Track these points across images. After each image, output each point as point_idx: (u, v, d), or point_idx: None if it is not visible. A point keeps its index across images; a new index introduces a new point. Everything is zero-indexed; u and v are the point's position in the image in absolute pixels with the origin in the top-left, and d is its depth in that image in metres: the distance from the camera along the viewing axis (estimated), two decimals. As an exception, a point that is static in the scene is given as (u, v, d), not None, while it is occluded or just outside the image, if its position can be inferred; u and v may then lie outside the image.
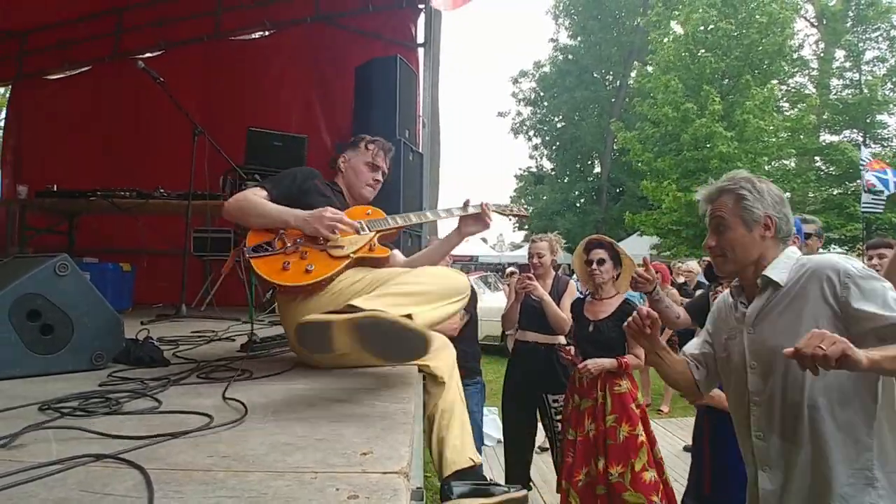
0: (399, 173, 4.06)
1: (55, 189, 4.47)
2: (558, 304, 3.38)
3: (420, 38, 5.35)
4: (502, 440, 3.81)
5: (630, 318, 1.69)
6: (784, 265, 1.52)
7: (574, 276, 4.63)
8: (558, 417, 3.37)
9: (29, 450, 1.05)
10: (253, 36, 5.95)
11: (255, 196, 2.08)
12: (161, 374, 1.74)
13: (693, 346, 1.80)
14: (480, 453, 3.45)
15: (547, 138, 27.68)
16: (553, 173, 27.43)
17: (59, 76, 6.32)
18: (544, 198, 26.09)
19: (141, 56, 5.98)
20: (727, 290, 1.73)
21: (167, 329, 3.13)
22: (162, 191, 4.24)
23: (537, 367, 3.46)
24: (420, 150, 4.73)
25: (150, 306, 4.72)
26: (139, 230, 5.03)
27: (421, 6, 5.38)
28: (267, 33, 5.88)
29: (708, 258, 2.18)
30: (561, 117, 26.86)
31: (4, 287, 1.72)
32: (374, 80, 4.44)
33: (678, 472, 4.16)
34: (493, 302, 8.53)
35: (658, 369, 1.78)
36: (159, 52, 5.99)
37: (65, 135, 6.04)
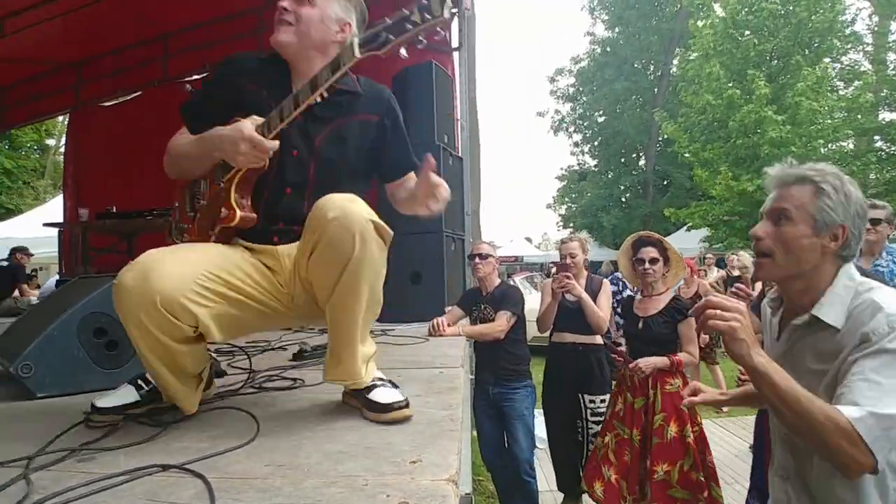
0: (440, 177, 4.08)
1: (114, 210, 4.70)
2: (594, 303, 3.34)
3: (455, 42, 5.37)
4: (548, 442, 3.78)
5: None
6: (841, 299, 1.22)
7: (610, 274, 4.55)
8: (594, 419, 3.32)
9: (98, 462, 1.12)
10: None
11: (178, 138, 1.69)
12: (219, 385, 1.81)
13: None
14: (534, 456, 3.45)
15: (588, 134, 27.25)
16: (596, 169, 26.98)
17: (112, 102, 6.66)
18: (588, 194, 25.68)
19: (187, 79, 6.24)
20: (768, 297, 1.47)
21: (223, 340, 3.24)
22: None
23: (576, 368, 3.42)
24: (460, 155, 4.74)
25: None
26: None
27: (454, 10, 5.40)
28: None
29: None
30: (602, 111, 26.39)
31: (72, 307, 1.83)
32: (410, 88, 4.48)
33: (738, 472, 4.03)
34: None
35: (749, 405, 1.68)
36: (204, 74, 6.22)
37: (120, 158, 6.36)
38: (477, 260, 3.49)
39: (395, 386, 1.48)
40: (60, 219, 6.63)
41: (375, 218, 1.40)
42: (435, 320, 3.16)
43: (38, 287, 8.63)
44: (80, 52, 6.37)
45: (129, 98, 6.58)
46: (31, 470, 1.05)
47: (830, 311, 1.22)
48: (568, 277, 3.24)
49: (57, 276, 6.70)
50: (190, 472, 1.01)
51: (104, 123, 6.61)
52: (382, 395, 1.40)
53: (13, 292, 7.09)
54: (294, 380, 1.87)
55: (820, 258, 1.25)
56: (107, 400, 1.41)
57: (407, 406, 1.36)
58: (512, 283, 10.75)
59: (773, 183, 1.33)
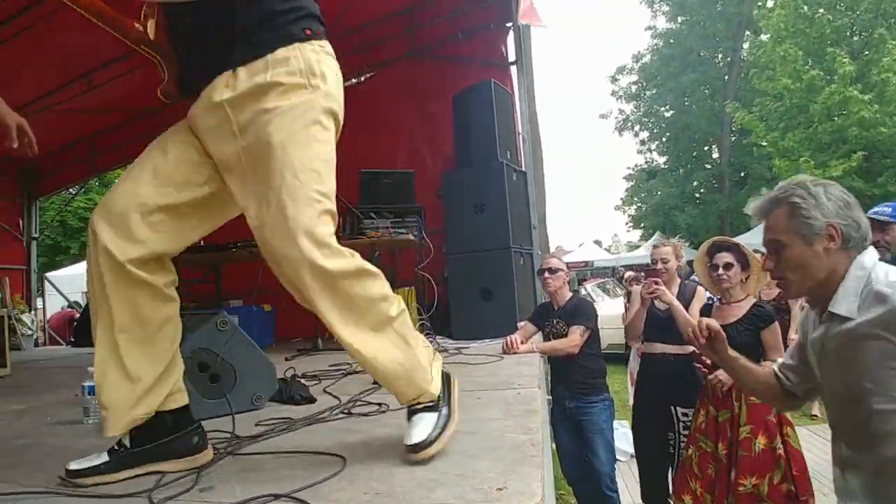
0: (504, 195, 4.14)
1: (202, 244, 5.05)
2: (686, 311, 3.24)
3: (511, 57, 5.43)
4: (635, 455, 3.72)
5: (690, 328, 1.69)
6: (853, 289, 1.30)
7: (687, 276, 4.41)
8: (686, 432, 3.22)
9: (217, 491, 1.24)
10: (353, 81, 6.36)
11: None
12: (309, 412, 1.94)
13: (786, 354, 1.71)
14: (614, 470, 3.41)
15: (655, 130, 26.42)
16: (666, 166, 26.09)
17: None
18: (658, 193, 24.85)
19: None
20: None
21: (308, 363, 3.42)
22: (289, 236, 4.63)
23: (667, 380, 3.32)
24: (523, 169, 4.78)
25: (290, 340, 5.17)
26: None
27: (508, 25, 5.46)
28: (364, 78, 6.25)
29: None
30: (668, 106, 25.52)
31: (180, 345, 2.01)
32: (470, 107, 4.57)
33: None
34: (614, 309, 8.31)
35: (734, 378, 1.82)
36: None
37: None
38: (546, 274, 3.50)
39: (438, 406, 1.40)
40: None
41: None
42: (508, 338, 3.19)
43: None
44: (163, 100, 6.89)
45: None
46: (161, 501, 1.18)
47: (843, 303, 1.31)
48: (657, 283, 3.18)
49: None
50: (299, 501, 1.11)
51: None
52: (416, 430, 1.33)
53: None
54: (379, 404, 1.97)
55: (830, 261, 1.34)
56: (78, 463, 1.37)
57: (430, 445, 1.29)
58: (583, 291, 10.56)
59: (754, 217, 1.47)
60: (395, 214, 4.65)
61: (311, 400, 2.19)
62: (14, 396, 2.98)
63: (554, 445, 3.59)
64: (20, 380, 3.88)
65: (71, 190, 10.43)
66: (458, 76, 5.35)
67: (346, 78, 5.24)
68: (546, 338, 3.46)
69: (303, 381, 2.46)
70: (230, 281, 5.92)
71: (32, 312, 10.50)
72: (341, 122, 1.52)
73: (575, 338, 3.22)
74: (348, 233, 4.53)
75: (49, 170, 8.09)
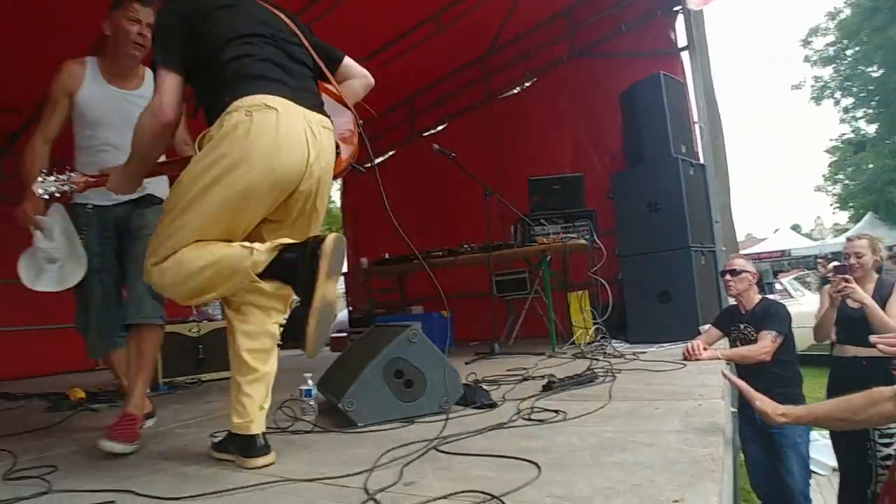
0: (680, 192, 3.97)
1: (387, 257, 5.56)
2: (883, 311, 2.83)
3: (681, 42, 5.15)
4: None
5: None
6: None
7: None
8: (883, 441, 2.80)
9: (418, 485, 1.44)
10: (517, 90, 6.51)
11: (171, 95, 1.73)
12: (492, 417, 2.09)
13: None
14: (808, 486, 3.08)
15: (861, 95, 22.68)
16: (877, 134, 22.24)
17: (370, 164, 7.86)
18: (870, 166, 21.31)
19: (431, 132, 7.08)
20: None
21: (486, 368, 3.62)
22: (466, 246, 4.90)
23: (860, 386, 2.91)
24: (701, 161, 4.52)
25: (468, 343, 5.46)
26: (452, 279, 5.92)
27: (677, 9, 5.19)
28: (528, 83, 6.36)
29: None
30: (876, 66, 21.75)
31: (377, 354, 2.30)
32: (639, 103, 4.45)
33: None
34: (815, 305, 7.37)
35: None
36: (443, 126, 7.00)
37: (386, 212, 7.47)
38: (728, 277, 3.27)
39: None
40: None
41: None
42: (689, 344, 3.07)
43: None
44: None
45: (386, 157, 7.70)
46: (374, 491, 1.40)
47: None
48: (847, 280, 2.85)
49: (347, 309, 8.07)
50: (495, 498, 1.25)
51: (369, 181, 7.83)
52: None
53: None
54: (556, 411, 2.06)
55: None
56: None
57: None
58: (779, 285, 9.48)
59: None
60: (565, 219, 4.70)
61: (493, 405, 2.35)
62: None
63: (743, 458, 3.36)
64: None
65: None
66: (623, 71, 5.22)
67: (508, 87, 5.49)
68: (732, 344, 3.25)
69: (483, 386, 2.64)
70: (413, 288, 6.42)
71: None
72: None
73: (766, 343, 2.98)
74: (519, 241, 4.67)
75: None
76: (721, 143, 4.57)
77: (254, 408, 1.79)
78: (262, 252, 1.63)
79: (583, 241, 4.50)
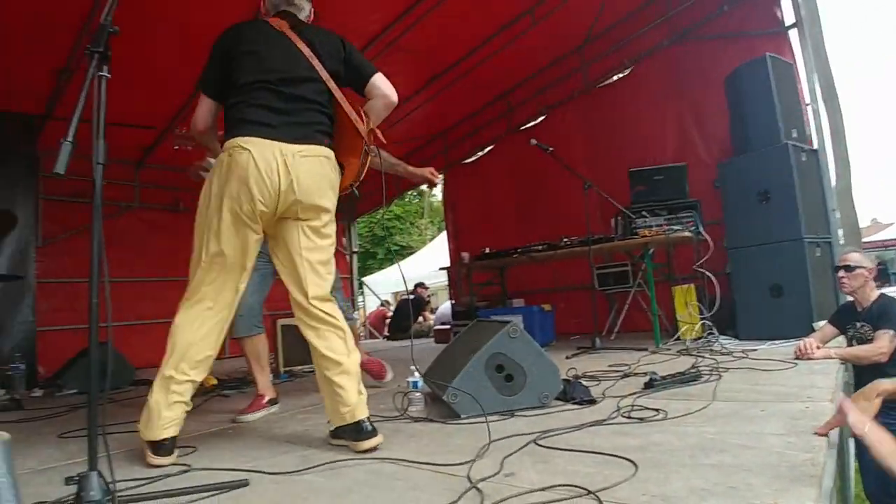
0: (792, 180, 3.75)
1: (488, 251, 5.69)
2: None
3: (789, 20, 4.80)
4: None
5: None
6: None
7: None
8: None
9: (518, 477, 1.54)
10: (615, 78, 6.36)
11: (202, 113, 2.24)
12: (591, 413, 2.16)
13: None
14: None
15: None
16: None
17: (472, 159, 8.01)
18: None
19: (528, 125, 7.09)
20: None
21: (587, 363, 3.65)
22: (566, 240, 4.92)
23: None
24: (814, 147, 4.22)
25: (570, 338, 5.47)
26: (552, 273, 5.94)
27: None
28: (627, 71, 6.19)
29: None
30: None
31: (479, 349, 2.43)
32: (744, 87, 4.23)
33: None
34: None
35: None
36: (542, 118, 6.98)
37: (485, 205, 7.59)
38: (842, 273, 3.08)
39: None
40: (443, 253, 8.45)
41: None
42: (802, 342, 2.93)
43: (434, 311, 10.84)
44: (443, 124, 7.88)
45: (484, 153, 7.82)
46: (477, 481, 1.53)
47: None
48: None
49: (450, 301, 8.30)
50: (590, 493, 1.33)
51: (469, 177, 8.00)
52: None
53: (418, 318, 9.21)
54: (657, 410, 2.08)
55: None
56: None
57: None
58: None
59: None
60: (668, 211, 4.58)
61: (592, 401, 2.41)
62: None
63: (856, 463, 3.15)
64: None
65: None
66: (726, 54, 4.97)
67: (606, 77, 5.45)
68: (849, 343, 3.05)
69: (583, 382, 2.69)
70: (513, 282, 6.52)
71: (356, 312, 13.00)
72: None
73: (882, 344, 2.77)
74: (620, 234, 4.62)
75: (364, 194, 10.00)
76: (839, 124, 4.21)
77: (351, 396, 2.02)
78: None
79: (687, 234, 4.37)
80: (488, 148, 7.76)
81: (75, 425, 2.96)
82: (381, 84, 2.27)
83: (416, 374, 2.71)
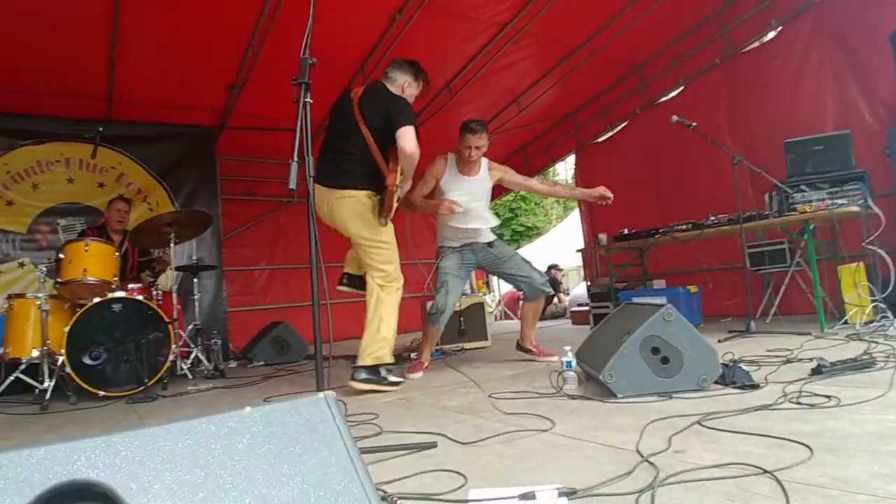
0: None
1: (626, 232, 5.62)
2: None
3: None
4: None
5: None
6: None
7: None
8: None
9: (688, 454, 1.63)
10: (764, 40, 5.91)
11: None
12: (754, 398, 2.16)
13: None
14: None
15: None
16: None
17: (604, 138, 7.84)
18: None
19: (664, 98, 6.82)
20: None
21: (743, 347, 3.55)
22: (713, 218, 4.74)
23: None
24: None
25: (719, 320, 5.28)
26: (695, 253, 5.73)
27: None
28: (774, 33, 5.73)
29: None
30: None
31: (633, 331, 2.50)
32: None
33: None
34: None
35: None
36: (680, 90, 6.67)
37: (620, 184, 7.40)
38: None
39: None
40: (571, 234, 8.33)
41: None
42: None
43: (567, 293, 10.80)
44: (574, 103, 7.79)
45: (617, 131, 7.62)
46: (647, 455, 1.64)
47: None
48: None
49: (585, 283, 8.27)
50: (767, 472, 1.40)
51: (601, 157, 7.85)
52: None
53: (553, 300, 9.27)
54: (829, 397, 2.04)
55: None
56: None
57: None
58: None
59: None
60: (831, 184, 4.26)
61: (755, 386, 2.39)
62: (500, 362, 4.08)
63: None
64: (499, 350, 4.94)
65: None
66: (890, 7, 4.44)
67: (750, 40, 5.25)
68: None
69: (743, 366, 2.66)
70: (653, 262, 6.38)
71: (490, 294, 13.28)
72: None
73: None
74: (776, 210, 4.37)
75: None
76: None
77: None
78: None
79: (854, 208, 4.03)
80: (621, 125, 7.56)
81: (272, 392, 3.48)
82: (400, 136, 2.90)
83: (569, 353, 2.85)
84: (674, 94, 6.77)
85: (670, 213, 5.76)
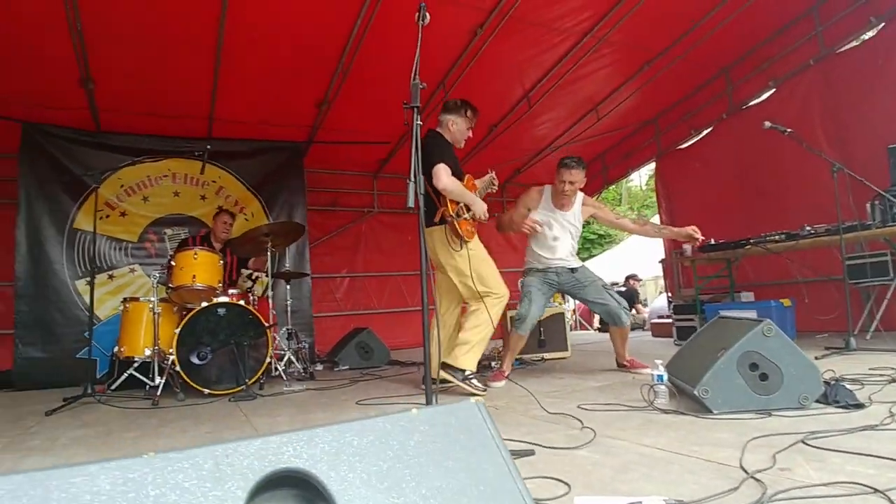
0: None
1: (713, 242, 5.47)
2: None
3: None
4: None
5: None
6: None
7: None
8: None
9: (794, 472, 1.62)
10: (864, 37, 5.61)
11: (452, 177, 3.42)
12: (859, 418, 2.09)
13: None
14: None
15: None
16: None
17: (688, 144, 7.63)
18: None
19: (753, 102, 6.58)
20: None
21: (843, 364, 3.40)
22: (808, 228, 4.54)
23: None
24: None
25: (813, 336, 5.04)
26: (787, 264, 5.50)
27: None
28: (875, 31, 5.42)
29: None
30: None
31: (730, 346, 2.47)
32: None
33: None
34: None
35: None
36: (771, 92, 6.42)
37: (706, 192, 7.20)
38: None
39: None
40: (648, 244, 8.42)
41: None
42: None
43: (645, 304, 10.53)
44: (655, 109, 7.64)
45: (700, 137, 7.41)
46: (753, 472, 1.64)
47: None
48: None
49: (666, 295, 8.07)
50: (878, 491, 1.38)
51: (684, 163, 7.65)
52: None
53: (631, 311, 9.06)
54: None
55: None
56: None
57: None
58: None
59: None
60: (939, 192, 4.00)
61: (860, 406, 2.31)
62: (583, 373, 4.09)
63: None
64: (579, 361, 4.97)
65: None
66: None
67: (848, 38, 5.09)
68: None
69: (846, 385, 2.56)
70: (741, 274, 6.16)
71: (565, 304, 13.11)
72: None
73: None
74: (879, 220, 4.15)
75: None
76: None
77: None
78: None
79: (971, 217, 3.77)
80: (706, 131, 7.34)
81: (362, 395, 3.66)
82: (434, 173, 3.33)
83: (661, 367, 2.84)
84: (763, 97, 6.52)
85: (758, 223, 5.57)
